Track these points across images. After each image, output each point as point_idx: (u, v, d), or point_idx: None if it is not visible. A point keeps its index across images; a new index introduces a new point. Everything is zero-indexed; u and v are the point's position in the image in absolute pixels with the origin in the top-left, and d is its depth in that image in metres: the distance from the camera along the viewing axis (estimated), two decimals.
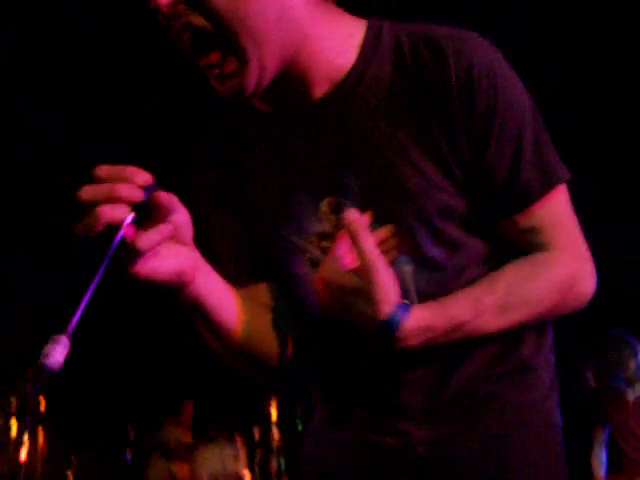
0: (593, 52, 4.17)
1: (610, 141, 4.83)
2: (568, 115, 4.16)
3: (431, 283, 1.19)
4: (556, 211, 1.21)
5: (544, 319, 1.24)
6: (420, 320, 1.12)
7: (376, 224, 1.15)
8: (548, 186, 1.18)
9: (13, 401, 4.37)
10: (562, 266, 1.20)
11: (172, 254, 1.08)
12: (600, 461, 4.23)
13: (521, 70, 1.20)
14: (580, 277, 1.23)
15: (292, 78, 1.16)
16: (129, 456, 5.10)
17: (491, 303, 1.15)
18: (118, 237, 0.95)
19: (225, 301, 1.21)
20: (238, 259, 1.31)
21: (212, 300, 1.18)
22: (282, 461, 5.22)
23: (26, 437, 4.29)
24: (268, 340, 1.27)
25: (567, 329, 1.31)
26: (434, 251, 1.18)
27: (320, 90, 1.18)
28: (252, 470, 5.30)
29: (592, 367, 4.29)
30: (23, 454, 4.36)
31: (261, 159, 1.24)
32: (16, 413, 4.38)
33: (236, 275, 1.27)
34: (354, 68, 1.18)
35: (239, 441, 5.29)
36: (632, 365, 4.17)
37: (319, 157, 1.19)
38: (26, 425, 4.37)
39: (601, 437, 4.23)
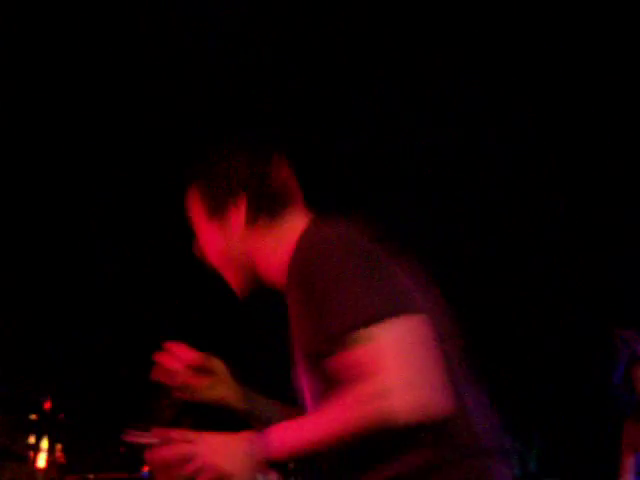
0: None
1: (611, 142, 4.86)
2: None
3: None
4: (370, 348, 1.42)
5: (358, 436, 1.43)
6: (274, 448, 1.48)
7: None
8: (360, 324, 1.43)
9: (33, 417, 4.36)
10: (362, 386, 1.41)
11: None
12: None
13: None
14: (386, 394, 1.39)
15: (262, 280, 1.82)
16: (146, 473, 5.06)
17: (311, 422, 1.50)
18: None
19: (270, 415, 1.89)
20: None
21: (258, 414, 1.92)
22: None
23: (45, 454, 4.26)
24: None
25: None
26: (317, 386, 1.59)
27: (278, 284, 1.78)
28: None
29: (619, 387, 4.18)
30: (42, 465, 4.34)
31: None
32: (35, 430, 4.37)
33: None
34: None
35: None
36: None
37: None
38: (46, 440, 4.35)
39: (631, 465, 4.14)
